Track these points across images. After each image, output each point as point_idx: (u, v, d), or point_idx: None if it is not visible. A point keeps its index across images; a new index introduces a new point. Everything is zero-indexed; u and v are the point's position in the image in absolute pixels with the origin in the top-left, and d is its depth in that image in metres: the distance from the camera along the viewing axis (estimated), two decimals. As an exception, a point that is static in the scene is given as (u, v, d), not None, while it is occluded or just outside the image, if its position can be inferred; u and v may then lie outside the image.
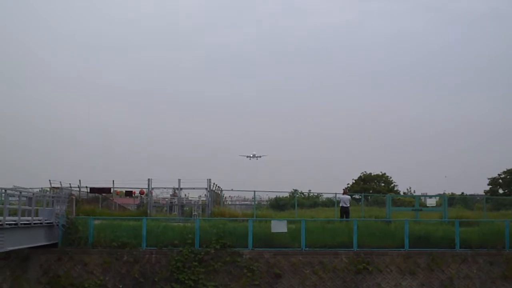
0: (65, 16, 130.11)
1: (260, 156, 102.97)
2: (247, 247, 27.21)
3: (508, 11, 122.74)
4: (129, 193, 42.52)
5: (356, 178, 69.73)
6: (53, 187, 36.64)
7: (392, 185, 68.89)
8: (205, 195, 38.91)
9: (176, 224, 30.10)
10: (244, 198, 52.12)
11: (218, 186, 42.46)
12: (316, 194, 55.71)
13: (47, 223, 25.60)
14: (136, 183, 39.12)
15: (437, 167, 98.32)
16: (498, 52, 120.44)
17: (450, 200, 44.43)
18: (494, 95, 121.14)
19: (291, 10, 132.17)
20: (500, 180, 69.28)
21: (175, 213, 39.36)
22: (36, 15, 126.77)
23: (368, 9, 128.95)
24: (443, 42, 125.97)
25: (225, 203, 45.19)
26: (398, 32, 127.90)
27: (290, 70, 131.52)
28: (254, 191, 40.60)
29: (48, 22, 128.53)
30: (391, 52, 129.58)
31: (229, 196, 50.70)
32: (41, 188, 38.01)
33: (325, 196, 52.70)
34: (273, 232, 27.76)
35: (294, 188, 55.55)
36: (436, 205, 40.03)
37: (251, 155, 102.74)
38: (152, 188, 38.48)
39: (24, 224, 22.97)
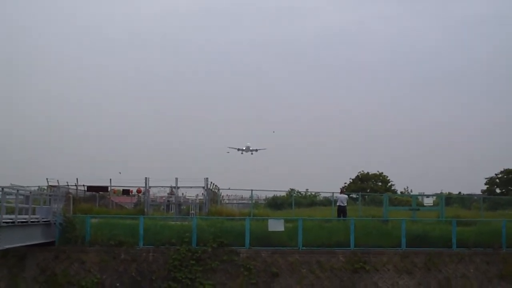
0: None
1: (256, 150, 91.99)
2: (244, 246, 27.22)
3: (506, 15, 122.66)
4: (126, 192, 42.52)
5: (353, 177, 69.89)
6: (50, 186, 36.57)
7: (389, 184, 69.00)
8: (202, 194, 38.88)
9: (173, 222, 30.11)
10: (242, 197, 52.09)
11: (216, 185, 42.49)
12: (313, 193, 55.77)
13: (44, 221, 25.59)
14: (134, 182, 39.09)
15: (434, 166, 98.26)
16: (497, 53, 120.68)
17: (447, 200, 44.50)
18: (490, 95, 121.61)
19: (291, 12, 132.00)
20: (497, 180, 69.46)
21: (172, 211, 39.30)
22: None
23: (369, 11, 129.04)
24: (441, 43, 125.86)
25: (222, 202, 45.19)
26: (398, 34, 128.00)
27: (290, 69, 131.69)
28: (252, 190, 40.61)
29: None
30: (392, 54, 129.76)
31: (227, 195, 50.66)
32: (39, 186, 37.98)
33: (322, 195, 52.78)
34: (270, 231, 27.79)
35: (291, 187, 55.64)
36: (434, 204, 40.07)
37: (243, 148, 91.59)
38: (150, 187, 38.45)
39: (21, 222, 22.97)
